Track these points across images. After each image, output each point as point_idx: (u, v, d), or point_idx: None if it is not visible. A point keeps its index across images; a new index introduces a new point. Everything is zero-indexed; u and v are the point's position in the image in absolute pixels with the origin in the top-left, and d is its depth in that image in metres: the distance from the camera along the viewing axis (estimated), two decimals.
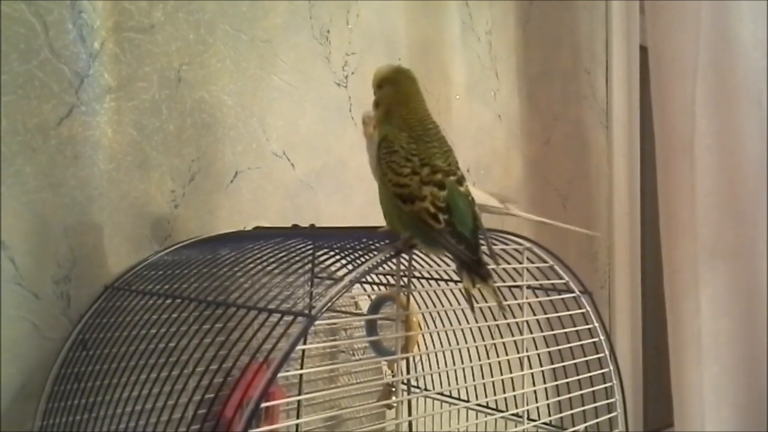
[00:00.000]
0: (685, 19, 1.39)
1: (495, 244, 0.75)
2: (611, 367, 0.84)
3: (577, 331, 0.83)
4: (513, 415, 0.81)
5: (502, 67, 1.42)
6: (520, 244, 0.78)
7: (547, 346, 0.82)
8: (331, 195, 1.12)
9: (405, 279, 0.73)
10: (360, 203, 1.15)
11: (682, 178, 1.40)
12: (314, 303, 0.61)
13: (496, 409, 0.87)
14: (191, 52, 0.96)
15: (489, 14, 1.39)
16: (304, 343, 0.93)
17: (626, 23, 1.69)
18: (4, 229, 0.80)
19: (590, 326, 0.84)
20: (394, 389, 0.97)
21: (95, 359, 0.78)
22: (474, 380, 0.83)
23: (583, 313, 0.84)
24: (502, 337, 0.80)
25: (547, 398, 0.82)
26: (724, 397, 1.41)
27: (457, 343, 0.87)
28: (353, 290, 1.02)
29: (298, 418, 0.98)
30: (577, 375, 0.82)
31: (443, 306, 0.93)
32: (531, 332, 0.80)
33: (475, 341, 0.82)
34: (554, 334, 0.81)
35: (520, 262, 0.79)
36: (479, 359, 0.81)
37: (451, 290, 0.90)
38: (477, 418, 0.88)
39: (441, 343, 1.00)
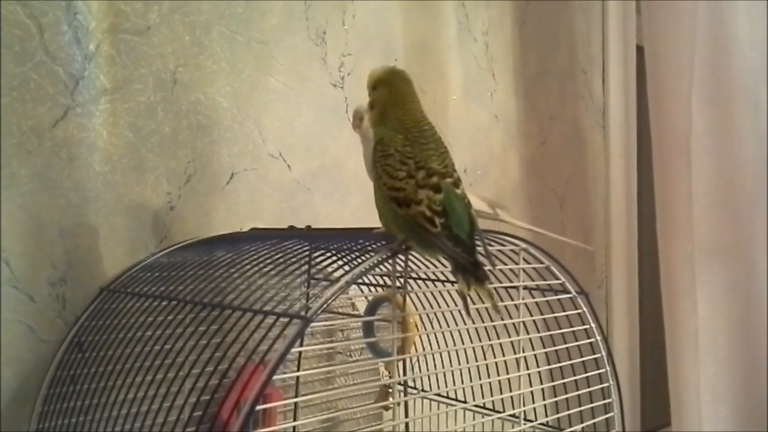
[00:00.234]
0: (681, 19, 1.39)
1: (491, 245, 0.74)
2: (608, 368, 0.84)
3: (573, 331, 0.83)
4: (510, 415, 0.81)
5: (498, 68, 1.42)
6: (517, 245, 0.78)
7: (544, 347, 0.81)
8: (327, 196, 1.12)
9: (401, 280, 0.72)
10: (356, 204, 1.15)
11: (679, 178, 1.40)
12: (310, 304, 0.60)
13: (493, 410, 0.87)
14: (187, 54, 0.96)
15: (485, 15, 1.39)
16: (301, 345, 0.93)
17: (623, 23, 1.69)
18: None
19: (587, 327, 0.84)
20: (391, 390, 0.97)
21: (91, 362, 0.78)
22: (471, 381, 0.83)
23: (579, 313, 0.84)
24: (498, 338, 0.80)
25: (544, 399, 0.81)
26: (722, 397, 1.41)
27: (454, 344, 0.87)
28: (350, 292, 1.02)
29: (295, 419, 0.98)
30: (574, 375, 0.82)
31: (440, 307, 0.93)
32: (528, 333, 0.80)
33: (471, 342, 0.82)
34: (551, 335, 0.81)
35: (517, 263, 0.79)
36: (476, 360, 0.81)
37: (447, 291, 0.90)
38: (474, 418, 0.88)
39: (438, 344, 1.00)
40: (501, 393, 0.81)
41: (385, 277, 0.94)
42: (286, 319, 0.60)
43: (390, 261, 0.68)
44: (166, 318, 0.72)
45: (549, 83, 1.55)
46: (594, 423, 0.83)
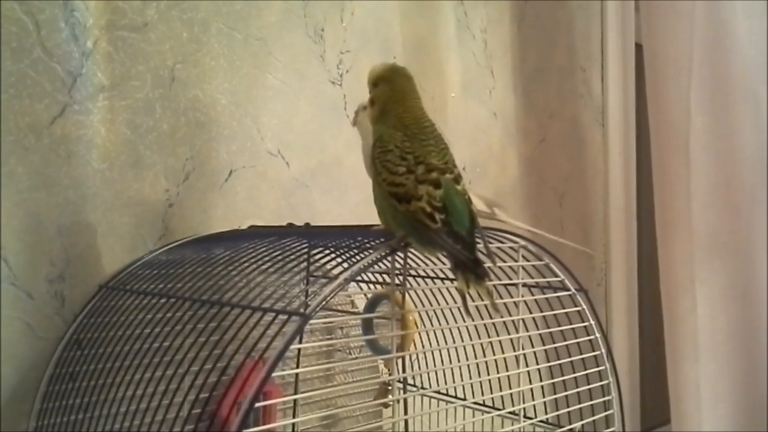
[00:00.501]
0: (679, 16, 1.39)
1: (490, 243, 0.74)
2: (607, 365, 0.84)
3: (573, 328, 0.83)
4: (509, 413, 0.81)
5: (497, 65, 1.42)
6: (516, 242, 0.78)
7: (544, 344, 0.81)
8: (326, 193, 1.12)
9: (400, 277, 0.72)
10: (355, 202, 1.15)
11: (678, 175, 1.40)
12: (309, 302, 0.60)
13: (493, 407, 0.87)
14: (185, 51, 0.96)
15: (484, 12, 1.39)
16: (300, 342, 0.93)
17: (621, 21, 1.69)
18: None
19: (586, 324, 0.84)
20: (390, 388, 0.97)
21: (90, 359, 0.78)
22: (470, 378, 0.83)
23: (579, 310, 0.83)
24: (498, 336, 0.80)
25: (544, 396, 0.81)
26: (721, 395, 1.41)
27: (453, 342, 0.87)
28: (349, 289, 1.02)
29: (294, 417, 0.98)
30: (574, 373, 0.82)
31: (439, 304, 0.93)
32: (527, 330, 0.80)
33: (471, 339, 0.82)
34: (551, 332, 0.81)
35: (516, 260, 0.79)
36: (475, 357, 0.81)
37: (447, 288, 0.90)
38: (473, 416, 0.88)
39: (437, 341, 1.00)
40: (500, 390, 0.80)
41: (384, 275, 0.94)
42: (285, 317, 0.59)
43: (389, 258, 0.68)
44: (165, 315, 0.72)
45: (548, 81, 1.55)
46: (594, 420, 0.83)
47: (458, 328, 0.82)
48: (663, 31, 1.41)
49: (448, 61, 1.32)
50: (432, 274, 0.90)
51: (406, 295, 0.86)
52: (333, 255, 0.78)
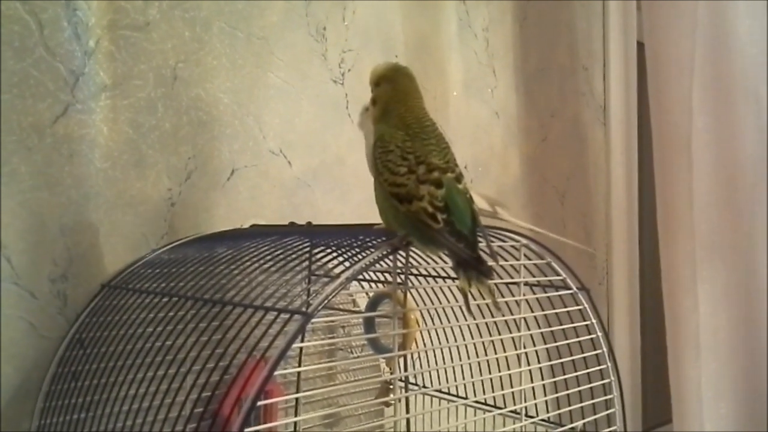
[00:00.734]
0: (681, 15, 1.38)
1: (492, 241, 0.74)
2: (609, 364, 0.84)
3: (574, 327, 0.83)
4: (511, 411, 0.81)
5: (499, 65, 1.42)
6: (517, 241, 0.78)
7: (545, 343, 0.81)
8: (328, 192, 1.12)
9: (402, 276, 0.72)
10: (357, 201, 1.15)
11: (680, 174, 1.40)
12: (311, 301, 0.60)
13: (494, 406, 0.87)
14: (187, 50, 0.96)
15: (486, 11, 1.39)
16: (302, 341, 0.93)
17: (623, 20, 1.69)
18: (0, 228, 0.80)
19: (588, 323, 0.84)
20: (392, 386, 0.97)
21: (92, 358, 0.78)
22: (472, 377, 0.83)
23: (580, 309, 0.84)
24: (499, 334, 0.80)
25: (545, 395, 0.81)
26: (723, 394, 1.41)
27: (455, 340, 0.87)
28: (351, 288, 1.02)
29: (296, 415, 0.98)
30: (575, 372, 0.82)
31: (441, 303, 0.93)
32: (529, 329, 0.80)
33: (472, 338, 0.82)
34: (552, 331, 0.81)
35: (517, 259, 0.79)
36: (477, 356, 0.81)
37: (448, 287, 0.90)
38: (475, 414, 0.88)
39: (439, 340, 1.00)
40: (502, 389, 0.81)
41: (386, 274, 0.94)
42: (287, 316, 0.60)
43: (391, 257, 0.68)
44: (167, 314, 0.72)
45: (550, 80, 1.55)
46: (595, 419, 0.83)
47: (460, 327, 0.82)
48: (665, 30, 1.41)
49: (450, 60, 1.32)
50: (433, 273, 0.90)
51: (408, 293, 0.86)
52: (335, 254, 0.78)
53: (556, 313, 0.82)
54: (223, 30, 1.00)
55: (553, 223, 1.54)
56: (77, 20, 0.86)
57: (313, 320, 0.60)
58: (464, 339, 0.83)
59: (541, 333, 0.81)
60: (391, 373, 0.99)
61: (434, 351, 1.02)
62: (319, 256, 0.82)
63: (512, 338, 0.80)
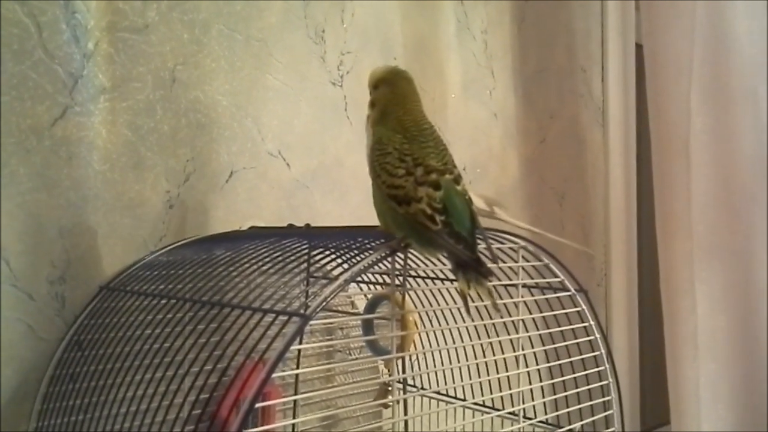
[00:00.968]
0: (680, 16, 1.39)
1: (490, 243, 0.74)
2: (607, 366, 0.84)
3: (573, 329, 0.83)
4: (509, 413, 0.81)
5: (497, 66, 1.42)
6: (516, 243, 0.78)
7: (544, 345, 0.82)
8: (326, 194, 1.12)
9: (400, 278, 0.72)
10: (356, 203, 1.15)
11: (678, 175, 1.40)
12: (309, 302, 0.60)
13: (493, 408, 0.87)
14: (186, 52, 0.96)
15: (484, 13, 1.39)
16: (300, 343, 0.93)
17: (621, 21, 1.69)
18: None
19: (586, 324, 0.84)
20: (390, 388, 0.97)
21: (90, 360, 0.78)
22: (470, 379, 0.83)
23: (579, 311, 0.84)
24: (498, 336, 0.80)
25: (544, 396, 0.82)
26: (721, 395, 1.41)
27: (453, 342, 0.87)
28: (349, 290, 1.02)
29: (294, 417, 0.98)
30: (574, 373, 0.82)
31: (439, 305, 0.93)
32: (527, 331, 0.80)
33: (471, 340, 0.82)
34: (550, 333, 0.81)
35: (516, 261, 0.79)
36: (475, 358, 0.81)
37: (447, 289, 0.90)
38: (473, 416, 0.88)
39: (437, 341, 1.00)
40: (500, 391, 0.81)
41: (384, 275, 0.94)
42: (285, 317, 0.60)
43: (389, 259, 0.68)
44: (166, 316, 0.72)
45: (548, 81, 1.55)
46: (593, 421, 0.83)
47: (458, 329, 0.82)
48: (663, 31, 1.41)
49: (449, 62, 1.33)
50: (432, 275, 0.90)
51: (406, 295, 0.86)
52: (333, 256, 0.78)
53: (555, 315, 0.82)
54: (222, 32, 1.00)
55: (551, 224, 1.55)
56: (76, 23, 0.86)
57: (312, 322, 0.60)
58: (462, 341, 0.83)
59: (540, 335, 0.82)
60: (390, 375, 0.99)
61: (432, 353, 1.02)
62: (317, 258, 0.82)
63: (511, 340, 0.80)
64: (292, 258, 0.73)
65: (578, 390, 0.82)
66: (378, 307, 0.94)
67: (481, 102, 1.39)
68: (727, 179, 1.41)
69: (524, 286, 0.80)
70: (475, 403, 0.89)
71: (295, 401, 0.98)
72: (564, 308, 0.82)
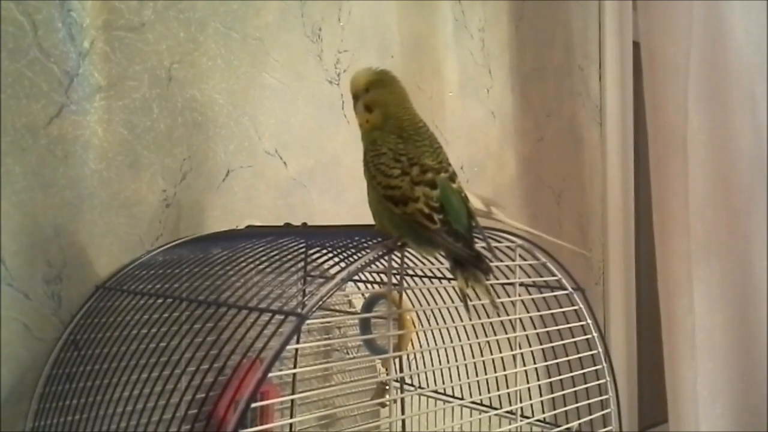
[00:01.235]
0: (677, 15, 1.39)
1: (487, 242, 0.74)
2: (605, 364, 0.84)
3: (570, 328, 0.83)
4: (507, 412, 0.81)
5: (495, 65, 1.42)
6: (513, 242, 0.78)
7: (541, 344, 0.81)
8: (323, 193, 1.12)
9: (397, 277, 0.72)
10: (353, 201, 1.15)
11: (676, 174, 1.40)
12: (306, 301, 0.60)
13: (490, 407, 0.87)
14: (182, 51, 0.96)
15: (482, 11, 1.39)
16: (297, 342, 0.93)
17: (619, 20, 1.69)
18: None
19: (584, 323, 0.84)
20: (387, 387, 0.97)
21: (87, 359, 0.78)
22: (468, 378, 0.83)
23: (576, 310, 0.84)
24: (495, 335, 0.80)
25: (541, 395, 0.81)
26: (719, 394, 1.41)
27: (451, 341, 0.87)
28: (346, 289, 1.02)
29: (291, 417, 0.98)
30: (571, 372, 0.82)
31: (437, 304, 0.93)
32: (524, 329, 0.80)
33: (468, 339, 0.82)
34: (548, 332, 0.81)
35: (513, 260, 0.79)
36: (473, 357, 0.81)
37: (444, 288, 0.90)
38: (471, 415, 0.88)
39: (434, 340, 1.00)
40: (498, 390, 0.81)
41: (381, 274, 0.94)
42: (282, 317, 0.59)
43: (386, 258, 0.68)
44: (162, 316, 0.72)
45: (545, 80, 1.55)
46: (591, 420, 0.83)
47: (455, 328, 0.82)
48: (661, 30, 1.41)
49: (446, 61, 1.32)
50: (429, 274, 0.90)
51: (403, 294, 0.86)
52: (330, 255, 0.78)
53: (552, 314, 0.82)
54: (219, 31, 1.00)
55: (549, 223, 1.54)
56: (71, 21, 0.86)
57: (309, 321, 0.60)
58: (460, 339, 0.83)
59: (537, 333, 0.81)
60: (387, 374, 0.99)
61: (430, 352, 1.02)
62: (314, 257, 0.82)
63: (508, 339, 0.79)
64: (289, 257, 0.73)
65: (576, 389, 0.82)
66: (375, 306, 0.94)
67: (479, 101, 1.39)
68: (724, 178, 1.42)
69: (521, 284, 0.80)
70: (473, 402, 0.89)
71: (292, 400, 0.98)
72: (561, 307, 0.82)
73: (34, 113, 0.83)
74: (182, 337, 0.67)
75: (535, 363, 0.81)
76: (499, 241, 0.77)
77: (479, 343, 0.81)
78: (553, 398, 0.82)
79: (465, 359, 0.82)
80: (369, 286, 0.99)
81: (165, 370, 0.64)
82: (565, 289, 0.83)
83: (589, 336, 0.84)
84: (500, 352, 0.80)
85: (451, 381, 0.92)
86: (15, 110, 0.81)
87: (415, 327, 0.90)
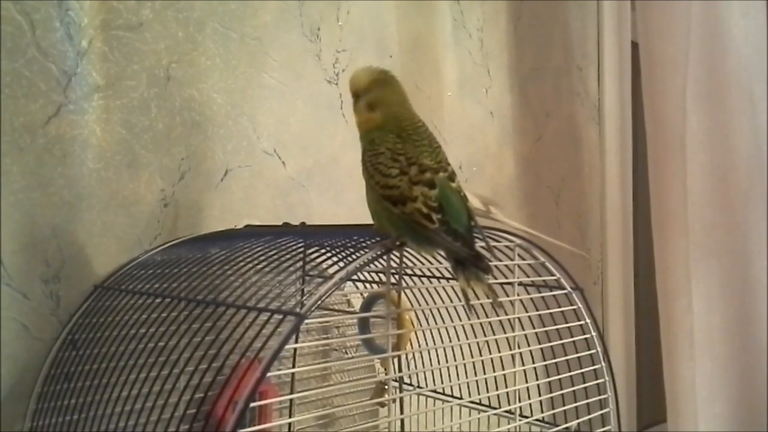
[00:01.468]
0: (675, 15, 1.39)
1: (487, 240, 0.74)
2: (603, 364, 0.84)
3: (569, 327, 0.83)
4: (505, 411, 0.81)
5: (493, 64, 1.42)
6: (511, 241, 0.78)
7: (540, 343, 0.81)
8: (322, 193, 1.12)
9: (396, 277, 0.72)
10: (351, 201, 1.15)
11: (674, 174, 1.40)
12: (305, 301, 0.60)
13: (489, 406, 0.87)
14: (180, 50, 0.96)
15: (480, 11, 1.39)
16: (296, 342, 0.93)
17: (617, 20, 1.69)
18: None
19: (582, 323, 0.84)
20: (386, 387, 0.97)
21: (85, 359, 0.77)
22: (466, 377, 0.83)
23: (575, 309, 0.83)
24: (494, 334, 0.80)
25: (540, 395, 0.81)
26: (717, 393, 1.42)
27: (450, 341, 0.87)
28: (345, 288, 1.02)
29: (290, 416, 0.98)
30: (570, 372, 0.82)
31: (435, 303, 0.93)
32: (523, 329, 0.80)
33: (467, 338, 0.82)
34: (546, 331, 0.81)
35: (512, 259, 0.79)
36: (471, 356, 0.81)
37: (443, 287, 0.90)
38: (470, 415, 0.88)
39: (433, 340, 1.00)
40: (496, 389, 0.81)
41: (380, 274, 0.94)
42: (281, 316, 0.59)
43: (385, 257, 0.68)
44: (161, 315, 0.72)
45: (544, 80, 1.55)
46: (589, 419, 0.83)
47: (454, 327, 0.82)
48: (659, 30, 1.41)
49: (445, 60, 1.32)
50: (428, 273, 0.90)
51: (402, 294, 0.86)
52: (329, 254, 0.78)
53: (551, 313, 0.82)
54: (217, 30, 1.00)
55: (547, 222, 1.55)
56: (69, 20, 0.86)
57: (307, 321, 0.60)
58: (459, 339, 0.83)
59: (536, 333, 0.81)
60: (386, 374, 0.99)
61: (429, 351, 1.02)
62: (313, 256, 0.82)
63: (507, 338, 0.79)
64: (288, 256, 0.73)
65: (574, 388, 0.82)
66: (374, 306, 0.94)
67: (477, 101, 1.39)
68: (723, 177, 1.42)
69: (520, 284, 0.80)
70: (472, 402, 0.89)
71: (291, 400, 0.98)
72: (560, 306, 0.82)
73: (32, 113, 0.83)
74: (181, 337, 0.67)
75: (533, 363, 0.81)
76: (498, 241, 0.77)
77: (478, 343, 0.81)
78: (551, 398, 0.82)
79: (464, 359, 0.82)
80: (367, 285, 0.99)
81: (163, 369, 0.64)
82: (564, 288, 0.83)
83: (588, 335, 0.84)
84: (499, 351, 0.80)
85: (450, 380, 0.92)
86: (13, 110, 0.81)
87: (413, 326, 0.90)
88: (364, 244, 0.71)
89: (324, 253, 0.78)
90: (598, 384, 0.84)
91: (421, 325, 0.95)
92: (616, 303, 1.69)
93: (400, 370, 1.02)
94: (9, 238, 0.81)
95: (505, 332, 0.79)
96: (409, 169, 0.65)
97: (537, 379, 0.81)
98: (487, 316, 0.75)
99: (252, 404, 0.54)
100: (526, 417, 0.82)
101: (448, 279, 0.86)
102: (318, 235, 0.80)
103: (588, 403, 0.83)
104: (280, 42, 1.07)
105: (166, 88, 0.94)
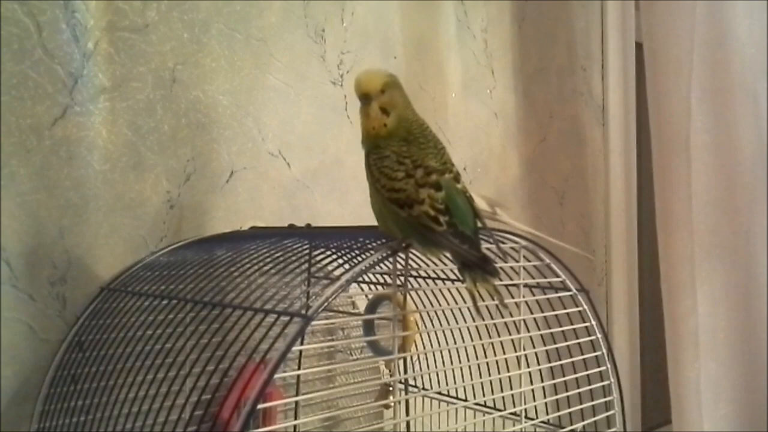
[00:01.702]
0: (680, 15, 1.38)
1: (491, 243, 0.74)
2: (608, 365, 0.84)
3: (574, 329, 0.83)
4: (511, 413, 0.81)
5: (497, 65, 1.42)
6: (517, 243, 0.78)
7: (545, 345, 0.81)
8: (327, 194, 1.12)
9: (401, 278, 0.72)
10: (356, 202, 1.15)
11: (679, 174, 1.40)
12: (311, 303, 0.60)
13: (494, 408, 0.87)
14: (186, 52, 0.96)
15: (484, 12, 1.39)
16: (302, 344, 0.93)
17: (621, 20, 1.69)
18: None
19: (587, 324, 0.84)
20: (391, 389, 0.97)
21: (91, 361, 0.78)
22: (471, 379, 0.83)
23: (580, 311, 0.83)
24: (499, 336, 0.80)
25: (545, 397, 0.81)
26: (722, 395, 1.41)
27: (455, 342, 0.87)
28: (350, 290, 1.02)
29: (295, 418, 0.98)
30: (575, 373, 0.82)
31: (440, 305, 0.93)
32: (528, 331, 0.80)
33: (472, 340, 0.82)
34: (552, 333, 0.81)
35: (517, 261, 0.79)
36: (477, 358, 0.81)
37: (448, 289, 0.90)
38: (475, 417, 0.88)
39: (438, 342, 1.00)
40: (502, 391, 0.80)
41: (385, 276, 0.94)
42: (287, 318, 0.59)
43: (390, 259, 0.68)
44: (167, 317, 0.72)
45: (548, 80, 1.55)
46: (595, 421, 0.83)
47: (459, 329, 0.82)
48: (663, 31, 1.41)
49: (449, 61, 1.32)
50: (433, 275, 0.90)
51: (407, 296, 0.86)
52: (334, 256, 0.78)
53: (556, 315, 0.81)
54: (222, 31, 1.00)
55: (551, 223, 1.54)
56: (76, 22, 0.86)
57: (313, 323, 0.60)
58: (464, 341, 0.83)
59: (541, 335, 0.81)
60: (391, 376, 0.99)
61: (434, 353, 1.02)
62: (318, 258, 0.82)
63: (512, 340, 0.79)
64: (293, 258, 0.73)
65: (580, 390, 0.82)
66: (379, 308, 0.94)
67: (482, 101, 1.39)
68: (727, 178, 1.41)
69: (525, 285, 0.80)
70: (477, 404, 0.89)
71: (296, 402, 0.98)
72: (565, 308, 0.82)
73: (39, 114, 0.83)
74: (187, 339, 0.67)
75: (539, 364, 0.81)
76: (504, 242, 0.77)
77: (483, 345, 0.81)
78: (557, 400, 0.82)
79: (469, 360, 0.82)
80: (373, 287, 0.99)
81: (170, 371, 0.64)
82: (569, 290, 0.83)
83: (593, 337, 0.84)
84: (504, 353, 0.80)
85: (455, 382, 0.92)
86: (19, 111, 0.81)
87: (418, 328, 0.90)
88: (369, 246, 0.71)
89: (329, 255, 0.78)
90: (603, 386, 0.84)
91: (426, 327, 0.95)
92: (620, 304, 1.69)
93: (405, 372, 1.02)
94: (15, 239, 0.81)
95: (510, 334, 0.79)
96: (415, 171, 0.65)
97: (542, 381, 0.81)
98: (492, 318, 0.75)
99: (258, 406, 0.54)
100: (532, 419, 0.82)
101: (453, 281, 0.86)
102: (323, 236, 0.80)
103: (593, 405, 0.83)
104: (285, 43, 1.07)
105: (172, 90, 0.95)
